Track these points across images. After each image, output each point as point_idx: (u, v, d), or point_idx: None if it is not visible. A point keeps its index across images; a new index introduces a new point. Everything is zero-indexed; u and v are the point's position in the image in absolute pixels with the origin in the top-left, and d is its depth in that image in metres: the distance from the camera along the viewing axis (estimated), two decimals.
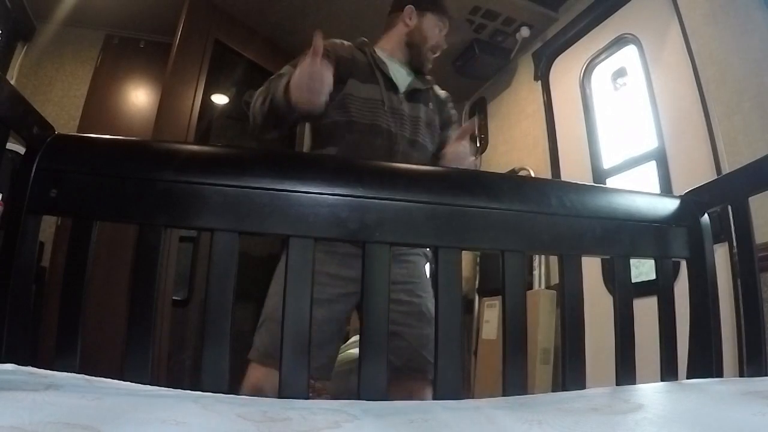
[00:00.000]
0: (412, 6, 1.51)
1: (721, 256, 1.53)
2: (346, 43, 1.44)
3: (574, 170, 2.62)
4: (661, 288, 0.96)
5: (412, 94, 1.48)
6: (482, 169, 3.27)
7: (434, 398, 0.77)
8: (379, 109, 1.38)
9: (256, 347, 1.25)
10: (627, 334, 0.90)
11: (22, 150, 0.75)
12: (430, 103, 1.53)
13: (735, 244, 0.96)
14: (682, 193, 1.05)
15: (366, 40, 1.51)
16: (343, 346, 3.46)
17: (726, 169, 1.74)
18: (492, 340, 2.73)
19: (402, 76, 1.50)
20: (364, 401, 0.71)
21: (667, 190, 2.02)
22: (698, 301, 0.97)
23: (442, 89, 1.68)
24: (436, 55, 1.56)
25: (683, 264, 1.02)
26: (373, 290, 0.80)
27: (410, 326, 1.29)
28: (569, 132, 2.72)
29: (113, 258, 1.97)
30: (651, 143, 2.21)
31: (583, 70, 2.66)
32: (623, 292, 0.93)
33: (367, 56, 1.44)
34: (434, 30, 1.52)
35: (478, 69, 3.20)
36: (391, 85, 1.45)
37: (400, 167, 0.96)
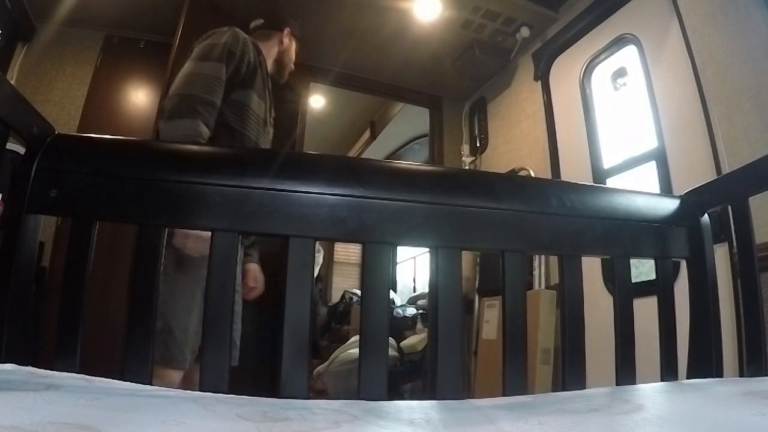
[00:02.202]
0: (289, 29, 1.69)
1: (721, 256, 1.54)
2: (250, 42, 1.50)
3: (574, 170, 2.62)
4: (661, 288, 0.96)
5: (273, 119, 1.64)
6: (482, 169, 3.28)
7: (434, 398, 0.77)
8: (261, 128, 1.50)
9: (174, 354, 1.25)
10: (627, 334, 0.90)
11: (22, 150, 0.75)
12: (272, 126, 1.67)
13: (735, 244, 0.95)
14: (682, 193, 1.05)
15: (256, 42, 1.56)
16: (343, 346, 3.48)
17: (726, 169, 1.74)
18: (492, 340, 2.73)
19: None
20: (364, 401, 0.71)
21: (667, 190, 2.02)
22: (698, 301, 0.97)
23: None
24: (288, 73, 1.74)
25: (683, 264, 1.02)
26: (374, 290, 0.80)
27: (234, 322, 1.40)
28: (569, 132, 2.72)
29: (113, 258, 1.97)
30: (651, 143, 2.21)
31: (583, 70, 2.66)
32: (623, 292, 0.93)
33: (262, 69, 1.52)
34: (293, 56, 1.72)
35: (478, 69, 3.20)
36: (271, 106, 1.59)
37: (400, 167, 0.96)
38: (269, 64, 1.60)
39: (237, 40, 1.43)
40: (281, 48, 1.66)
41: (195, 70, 1.35)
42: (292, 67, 1.73)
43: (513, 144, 3.17)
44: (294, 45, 1.71)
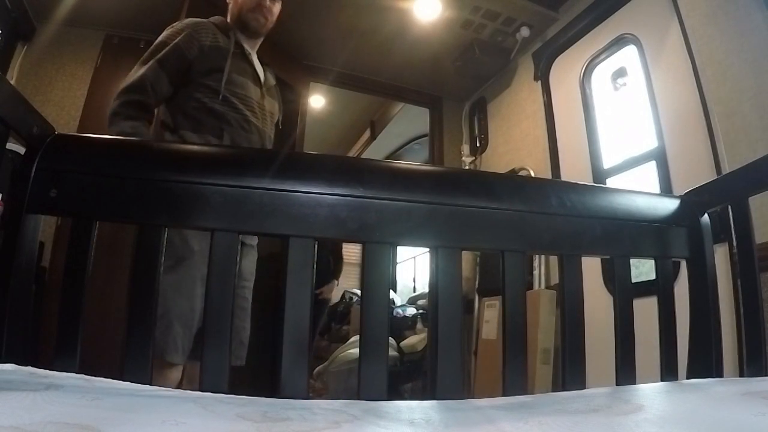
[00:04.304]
0: None
1: (721, 256, 1.53)
2: (204, 24, 1.47)
3: (574, 170, 2.62)
4: (661, 288, 0.96)
5: (269, 89, 1.57)
6: (482, 169, 3.28)
7: (434, 398, 0.77)
8: (254, 106, 1.47)
9: (174, 348, 1.24)
10: (627, 334, 0.90)
11: (22, 150, 0.75)
12: (277, 100, 1.62)
13: (735, 244, 0.95)
14: (682, 193, 1.05)
15: (225, 21, 1.53)
16: (343, 346, 3.48)
17: (726, 169, 1.74)
18: (492, 340, 2.73)
19: (258, 67, 1.57)
20: (364, 401, 0.71)
21: (667, 190, 2.02)
22: (698, 301, 0.97)
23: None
24: (262, 15, 1.54)
25: (683, 264, 1.02)
26: (373, 290, 0.80)
27: (242, 320, 1.42)
28: (569, 132, 2.72)
29: (113, 258, 1.98)
30: (651, 143, 2.21)
31: (583, 70, 2.66)
32: (623, 292, 0.93)
33: (229, 43, 1.47)
34: (246, 4, 1.53)
35: (478, 69, 3.20)
36: (257, 78, 1.53)
37: (400, 167, 0.96)
38: (239, 28, 1.53)
39: (178, 31, 1.44)
40: (230, 7, 1.57)
41: (129, 75, 1.42)
42: (255, 6, 1.52)
43: (513, 144, 3.17)
44: None
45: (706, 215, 1.00)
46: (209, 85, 1.41)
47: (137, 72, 1.41)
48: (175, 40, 1.42)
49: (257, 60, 1.57)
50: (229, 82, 1.42)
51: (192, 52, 1.41)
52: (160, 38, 1.45)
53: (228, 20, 1.56)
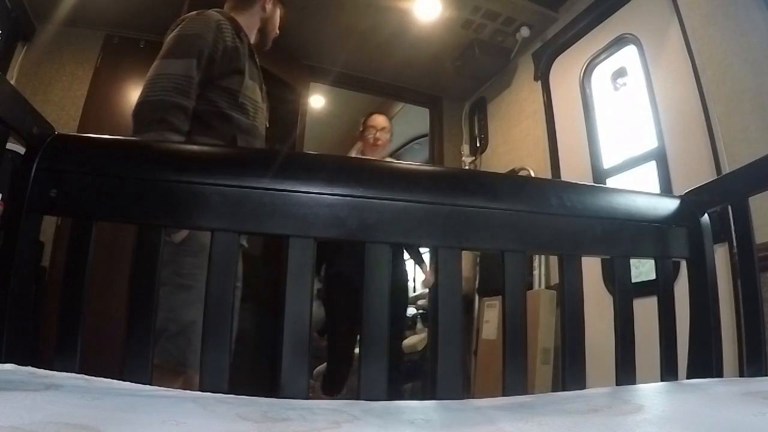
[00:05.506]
0: None
1: (721, 256, 1.53)
2: (224, 24, 1.39)
3: (574, 170, 2.62)
4: (661, 288, 0.96)
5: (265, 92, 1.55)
6: (482, 169, 3.28)
7: (434, 398, 0.77)
8: (259, 111, 1.45)
9: (176, 356, 1.22)
10: (627, 334, 0.90)
11: (22, 150, 0.75)
12: (266, 99, 1.58)
13: (735, 244, 0.95)
14: (682, 193, 1.05)
15: (234, 18, 1.47)
16: None
17: (726, 169, 1.74)
18: (492, 340, 2.73)
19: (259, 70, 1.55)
20: (364, 401, 0.71)
21: (667, 190, 2.02)
22: (698, 301, 0.97)
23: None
24: (276, 35, 1.62)
25: (683, 264, 1.02)
26: (374, 290, 0.80)
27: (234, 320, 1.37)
28: (569, 132, 2.72)
29: (113, 258, 1.98)
30: (651, 143, 2.21)
31: (583, 70, 2.66)
32: (623, 292, 0.93)
33: (245, 47, 1.43)
34: (277, 21, 1.58)
35: (478, 69, 3.21)
36: (261, 81, 1.51)
37: (399, 167, 0.96)
38: (252, 35, 1.50)
39: (208, 27, 1.33)
40: (264, 15, 1.52)
41: (162, 70, 1.27)
42: (277, 32, 1.61)
43: (513, 144, 3.17)
44: (278, 12, 1.58)
45: (706, 215, 1.00)
46: (227, 88, 1.34)
47: (172, 67, 1.26)
48: (204, 36, 1.30)
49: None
50: (244, 87, 1.38)
51: (218, 52, 1.32)
52: (183, 32, 1.32)
53: (250, 27, 1.50)
